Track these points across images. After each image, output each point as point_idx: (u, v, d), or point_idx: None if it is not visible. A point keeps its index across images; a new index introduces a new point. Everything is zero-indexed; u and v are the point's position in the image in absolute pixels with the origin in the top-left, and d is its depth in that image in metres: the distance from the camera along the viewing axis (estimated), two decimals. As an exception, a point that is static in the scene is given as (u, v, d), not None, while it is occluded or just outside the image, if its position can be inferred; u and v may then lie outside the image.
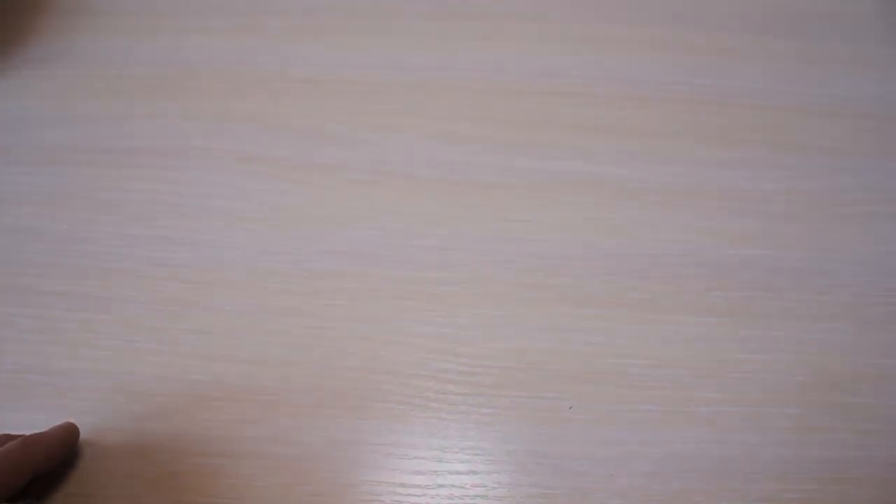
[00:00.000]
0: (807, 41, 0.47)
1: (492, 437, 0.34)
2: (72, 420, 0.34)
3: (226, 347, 0.36)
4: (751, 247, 0.39)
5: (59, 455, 0.32)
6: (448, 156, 0.42)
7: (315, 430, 0.34)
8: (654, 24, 0.49)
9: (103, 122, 0.46)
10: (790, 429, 0.34)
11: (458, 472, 0.33)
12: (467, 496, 0.33)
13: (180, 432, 0.34)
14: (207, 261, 0.38)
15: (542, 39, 0.48)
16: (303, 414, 0.34)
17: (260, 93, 0.47)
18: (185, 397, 0.35)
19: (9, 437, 0.31)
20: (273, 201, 0.40)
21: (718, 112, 0.44)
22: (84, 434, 0.34)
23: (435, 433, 0.34)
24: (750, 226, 0.40)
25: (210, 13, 0.51)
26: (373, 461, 0.33)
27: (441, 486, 0.33)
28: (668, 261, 0.39)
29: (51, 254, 0.40)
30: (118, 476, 0.33)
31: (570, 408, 0.35)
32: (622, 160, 0.42)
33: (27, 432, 0.31)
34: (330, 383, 0.35)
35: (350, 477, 0.33)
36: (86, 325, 0.37)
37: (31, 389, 0.35)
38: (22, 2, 0.53)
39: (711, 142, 0.43)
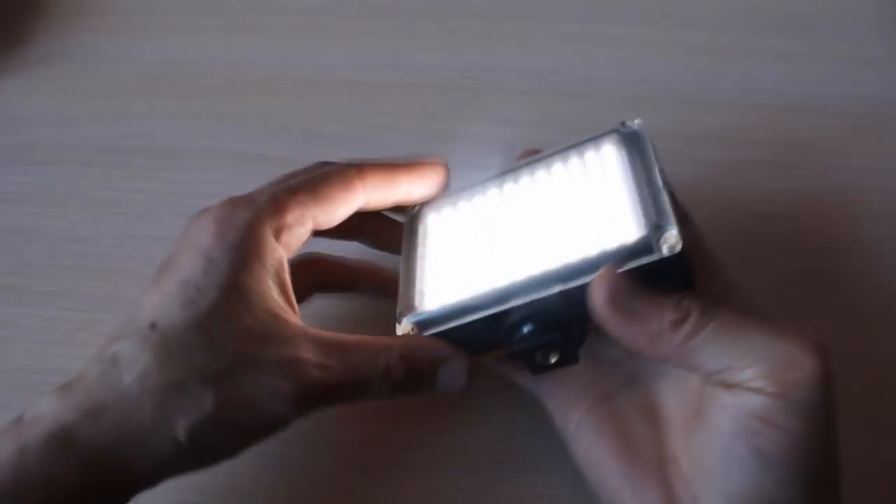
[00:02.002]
0: (807, 41, 0.47)
1: (492, 437, 0.34)
2: None
3: (226, 347, 0.36)
4: (750, 247, 0.39)
5: None
6: (447, 155, 0.42)
7: (315, 428, 0.34)
8: (654, 25, 0.49)
9: (103, 122, 0.46)
10: (790, 429, 0.34)
11: (459, 473, 0.33)
12: (467, 496, 0.33)
13: (180, 432, 0.34)
14: (207, 261, 0.38)
15: (541, 39, 0.48)
16: (303, 414, 0.34)
17: (260, 93, 0.47)
18: (185, 397, 0.35)
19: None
20: (273, 201, 0.40)
21: (718, 112, 0.44)
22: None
23: (436, 433, 0.34)
24: (750, 225, 0.40)
25: (210, 13, 0.51)
26: (373, 461, 0.33)
27: (441, 486, 0.33)
28: (668, 261, 0.38)
29: (51, 254, 0.40)
30: (118, 476, 0.33)
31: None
32: (622, 160, 0.42)
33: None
34: (330, 383, 0.35)
35: (351, 477, 0.33)
36: (86, 325, 0.37)
37: (31, 389, 0.35)
38: (22, 2, 0.53)
39: (711, 141, 0.42)
